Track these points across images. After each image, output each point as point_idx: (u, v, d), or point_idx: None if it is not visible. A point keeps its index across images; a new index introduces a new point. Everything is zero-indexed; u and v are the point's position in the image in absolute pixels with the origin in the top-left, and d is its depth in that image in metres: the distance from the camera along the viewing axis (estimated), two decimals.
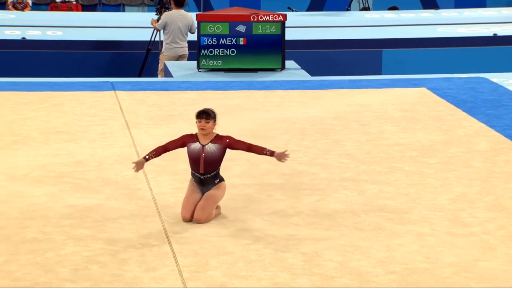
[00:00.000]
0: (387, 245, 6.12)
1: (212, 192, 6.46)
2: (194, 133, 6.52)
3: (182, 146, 6.52)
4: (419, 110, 9.85)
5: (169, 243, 6.11)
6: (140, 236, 6.21)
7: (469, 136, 8.87)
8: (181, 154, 8.31)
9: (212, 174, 6.46)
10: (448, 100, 10.26)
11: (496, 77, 11.55)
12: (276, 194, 7.13)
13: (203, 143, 6.43)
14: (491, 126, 9.16)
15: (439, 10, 17.73)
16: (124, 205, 6.83)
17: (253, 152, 6.50)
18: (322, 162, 7.97)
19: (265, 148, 6.50)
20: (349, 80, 11.45)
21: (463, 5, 18.95)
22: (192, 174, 6.52)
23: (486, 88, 10.94)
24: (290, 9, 17.08)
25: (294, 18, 15.11)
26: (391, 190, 7.27)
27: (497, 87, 10.97)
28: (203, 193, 6.48)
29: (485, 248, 6.10)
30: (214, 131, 6.49)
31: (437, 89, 10.79)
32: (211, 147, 6.42)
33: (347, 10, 18.14)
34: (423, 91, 10.79)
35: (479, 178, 7.58)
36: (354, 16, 17.15)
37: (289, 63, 12.07)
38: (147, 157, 6.49)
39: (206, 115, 6.42)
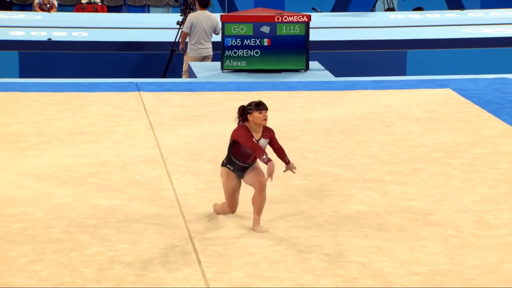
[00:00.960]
0: (411, 247, 6.10)
1: (254, 170, 6.43)
2: (242, 126, 6.40)
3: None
4: (444, 111, 9.80)
5: (192, 243, 6.13)
6: (163, 237, 6.23)
7: (494, 137, 8.82)
8: (205, 155, 8.32)
9: (255, 161, 6.49)
10: (473, 101, 10.20)
11: None
12: (299, 195, 7.12)
13: (257, 138, 6.41)
14: None
15: (465, 11, 17.62)
16: (148, 206, 6.85)
17: (278, 153, 6.50)
18: (346, 163, 7.95)
19: (286, 156, 6.50)
20: (374, 81, 11.42)
21: (489, 6, 18.82)
22: (232, 163, 6.43)
23: None
24: (314, 9, 17.06)
25: (318, 18, 15.08)
26: (415, 191, 7.24)
27: None
28: (240, 178, 6.47)
29: (510, 250, 6.06)
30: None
31: (463, 90, 10.73)
32: (263, 142, 6.43)
33: (372, 10, 18.08)
34: (448, 92, 10.74)
35: (504, 179, 7.53)
36: (378, 16, 17.09)
37: (313, 64, 12.04)
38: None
39: (265, 106, 6.39)
